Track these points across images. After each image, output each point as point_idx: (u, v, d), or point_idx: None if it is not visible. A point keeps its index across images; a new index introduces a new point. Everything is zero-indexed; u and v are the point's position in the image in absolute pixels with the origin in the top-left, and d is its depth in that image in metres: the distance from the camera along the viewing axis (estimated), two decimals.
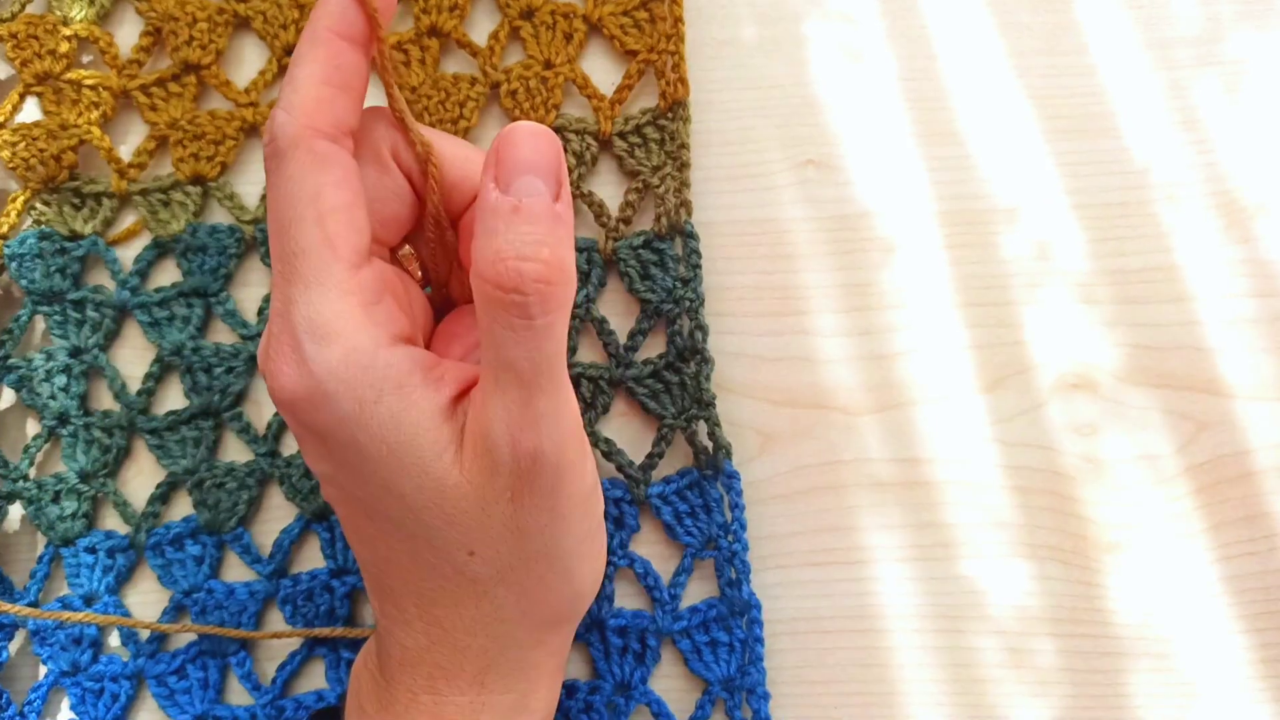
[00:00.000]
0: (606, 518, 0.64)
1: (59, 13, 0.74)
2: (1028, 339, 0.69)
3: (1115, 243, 0.70)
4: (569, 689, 0.66)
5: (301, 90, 0.50)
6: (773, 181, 0.72)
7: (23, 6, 0.74)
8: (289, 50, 0.74)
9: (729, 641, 0.66)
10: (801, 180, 0.71)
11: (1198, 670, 0.65)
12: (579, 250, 0.70)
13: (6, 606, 0.66)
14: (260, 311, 0.71)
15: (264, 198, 0.72)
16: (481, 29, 0.75)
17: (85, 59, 0.76)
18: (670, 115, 0.71)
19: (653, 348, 0.70)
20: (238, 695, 0.68)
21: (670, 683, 0.67)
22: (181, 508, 0.70)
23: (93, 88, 0.73)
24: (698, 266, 0.69)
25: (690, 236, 0.69)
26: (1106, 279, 0.69)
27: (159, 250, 0.72)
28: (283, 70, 0.74)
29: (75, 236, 0.72)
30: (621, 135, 0.72)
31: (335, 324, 0.48)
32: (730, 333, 0.69)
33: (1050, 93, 0.72)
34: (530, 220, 0.46)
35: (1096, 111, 0.71)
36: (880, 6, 0.73)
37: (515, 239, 0.45)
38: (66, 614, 0.66)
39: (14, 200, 0.72)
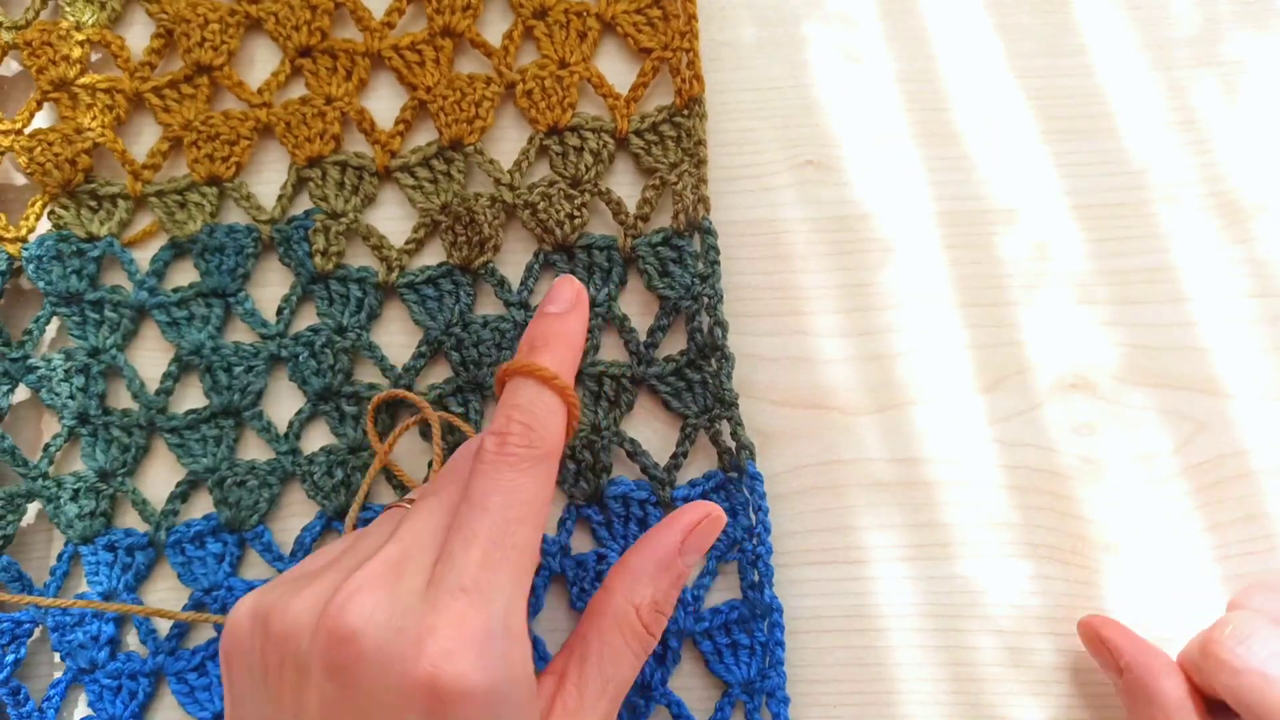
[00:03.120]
0: (631, 519, 0.62)
1: (71, 18, 0.68)
2: (1026, 339, 0.64)
3: (1114, 243, 0.65)
4: None
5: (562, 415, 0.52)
6: (772, 182, 0.67)
7: (37, 13, 0.69)
8: (301, 51, 0.68)
9: (750, 644, 0.60)
10: (801, 181, 0.66)
11: None
12: (599, 248, 0.65)
13: (33, 598, 0.61)
14: (279, 311, 0.66)
15: (281, 197, 0.67)
16: (495, 29, 0.69)
17: (94, 58, 0.70)
18: (686, 112, 0.66)
19: (672, 344, 0.65)
20: None
21: (690, 681, 0.62)
22: (200, 506, 0.65)
23: (106, 91, 0.68)
24: (716, 263, 0.63)
25: (708, 233, 0.64)
26: (1105, 279, 0.64)
27: (175, 251, 0.66)
28: (295, 71, 0.68)
29: (92, 238, 0.66)
30: (638, 133, 0.66)
31: (522, 626, 0.46)
32: (730, 332, 0.63)
33: (1049, 93, 0.67)
34: (681, 580, 0.54)
35: (1095, 112, 0.66)
36: (880, 8, 0.68)
37: (661, 593, 0.53)
38: (90, 602, 0.59)
39: (33, 204, 0.67)
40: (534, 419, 0.50)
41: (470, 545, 0.45)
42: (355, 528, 0.61)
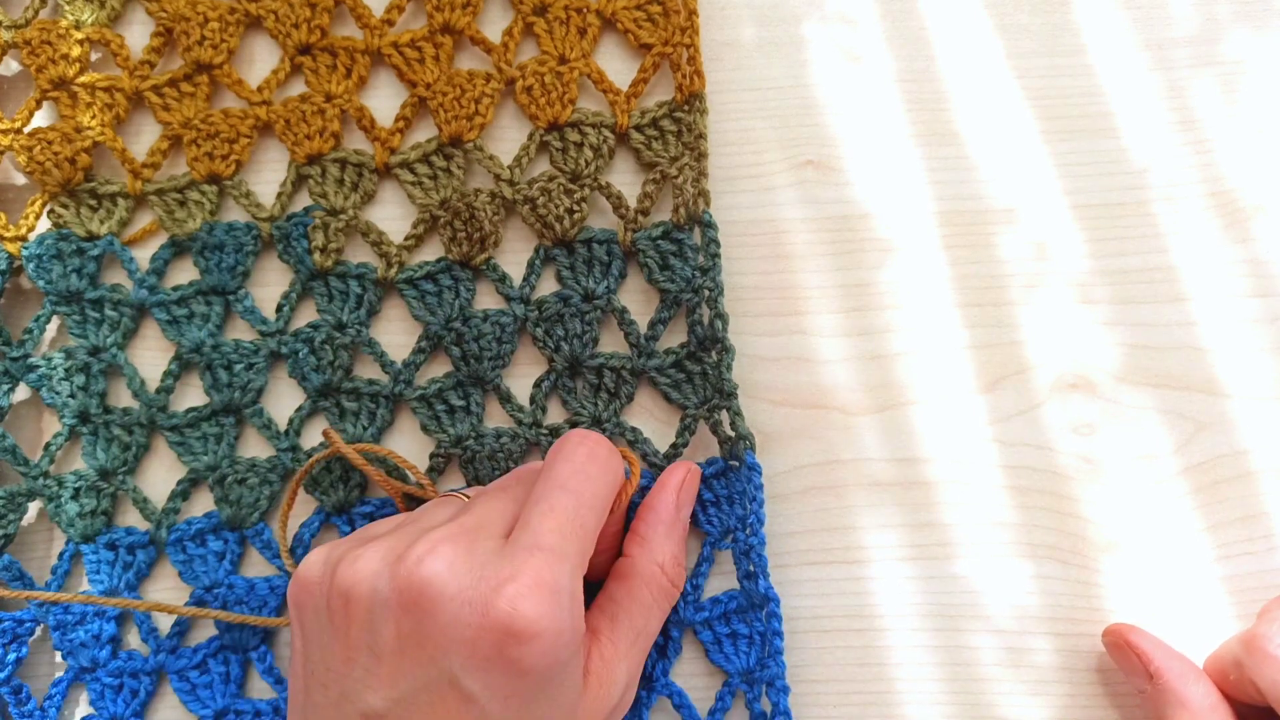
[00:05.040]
0: (631, 506, 0.60)
1: (71, 16, 0.66)
2: (1026, 339, 0.62)
3: (1113, 243, 0.63)
4: None
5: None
6: (772, 182, 0.65)
7: (36, 12, 0.67)
8: (301, 49, 0.66)
9: (749, 634, 0.59)
10: (800, 181, 0.65)
11: None
12: (600, 242, 0.64)
13: (35, 593, 0.60)
14: (279, 308, 0.64)
15: (280, 195, 0.65)
16: (495, 26, 0.68)
17: (93, 57, 0.68)
18: (687, 107, 0.64)
19: (673, 338, 0.63)
20: (260, 690, 0.62)
21: (691, 668, 0.61)
22: (201, 504, 0.63)
23: (106, 90, 0.66)
24: (716, 256, 0.62)
25: (709, 226, 0.62)
26: (1104, 279, 0.63)
27: (175, 249, 0.65)
28: (295, 69, 0.67)
29: (92, 237, 0.65)
30: (638, 128, 0.65)
31: (581, 591, 0.50)
32: (729, 332, 0.61)
33: (1048, 93, 0.65)
34: (684, 534, 0.60)
35: (1094, 112, 0.65)
36: (879, 8, 0.66)
37: (676, 548, 0.58)
38: (91, 598, 0.59)
39: (33, 203, 0.65)
40: (611, 452, 0.55)
41: (547, 515, 0.50)
42: (288, 544, 0.63)
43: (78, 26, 0.67)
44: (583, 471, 0.52)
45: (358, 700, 0.48)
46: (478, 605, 0.46)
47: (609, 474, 0.54)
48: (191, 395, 0.65)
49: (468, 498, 0.56)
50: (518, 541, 0.49)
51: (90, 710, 0.61)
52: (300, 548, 0.62)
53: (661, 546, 0.57)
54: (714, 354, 0.61)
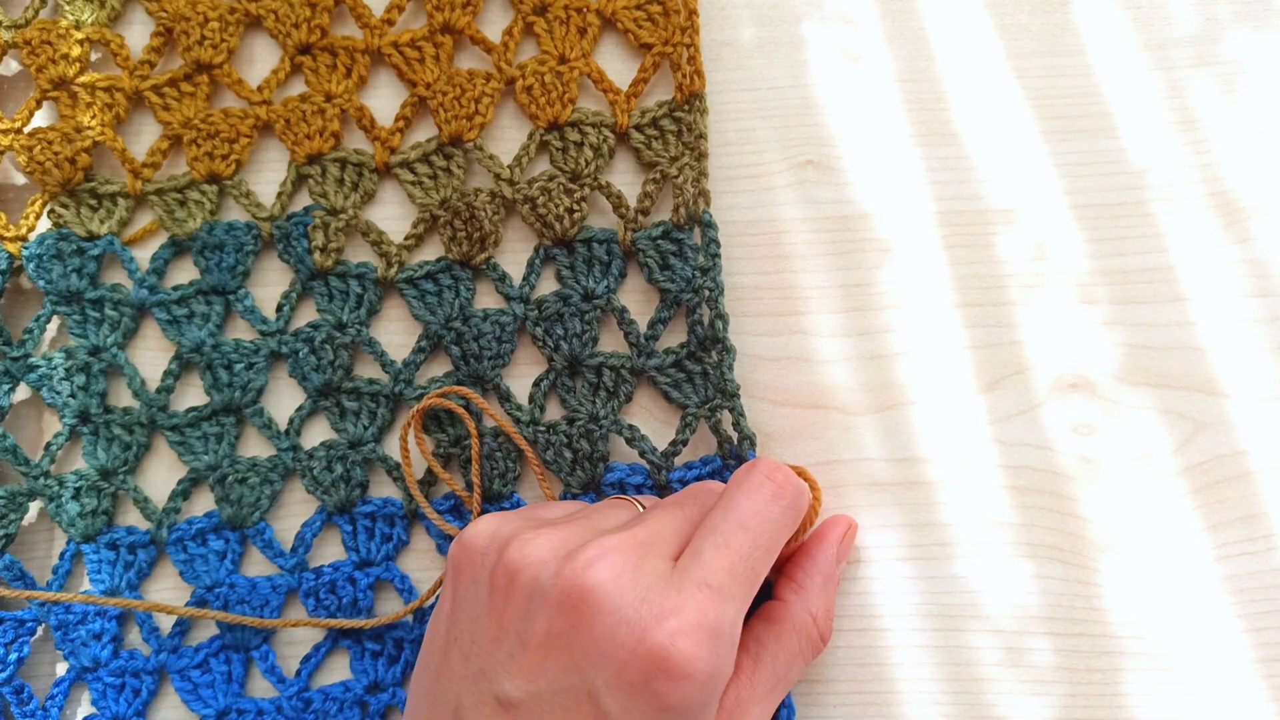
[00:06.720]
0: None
1: (71, 16, 0.66)
2: (1026, 339, 0.62)
3: (1113, 243, 0.63)
4: None
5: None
6: (771, 182, 0.64)
7: (36, 12, 0.66)
8: (301, 49, 0.66)
9: None
10: (800, 181, 0.64)
11: (1195, 670, 0.58)
12: (599, 242, 0.63)
13: (36, 593, 0.60)
14: (279, 308, 0.64)
15: (280, 194, 0.65)
16: (495, 25, 0.67)
17: (93, 56, 0.68)
18: (687, 107, 0.64)
19: (673, 337, 0.63)
20: (262, 689, 0.62)
21: None
22: (202, 503, 0.63)
23: (106, 90, 0.66)
24: (716, 256, 0.61)
25: (709, 226, 0.62)
26: (1104, 279, 0.62)
27: (175, 249, 0.65)
28: (295, 69, 0.66)
29: (92, 237, 0.64)
30: (638, 128, 0.64)
31: (738, 638, 0.49)
32: (729, 332, 0.61)
33: (1048, 93, 0.64)
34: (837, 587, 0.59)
35: (1094, 112, 0.64)
36: (879, 8, 0.66)
37: (830, 602, 0.57)
38: (92, 597, 0.59)
39: (33, 203, 0.65)
40: (800, 491, 0.54)
41: (721, 551, 0.49)
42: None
43: (78, 26, 0.66)
44: (764, 512, 0.51)
45: (495, 682, 0.48)
46: (636, 629, 0.46)
47: (790, 517, 0.53)
48: (192, 395, 0.65)
49: (642, 506, 0.55)
50: (687, 572, 0.48)
51: (92, 710, 0.61)
52: (302, 547, 0.62)
53: (817, 598, 0.56)
54: (714, 354, 0.61)
